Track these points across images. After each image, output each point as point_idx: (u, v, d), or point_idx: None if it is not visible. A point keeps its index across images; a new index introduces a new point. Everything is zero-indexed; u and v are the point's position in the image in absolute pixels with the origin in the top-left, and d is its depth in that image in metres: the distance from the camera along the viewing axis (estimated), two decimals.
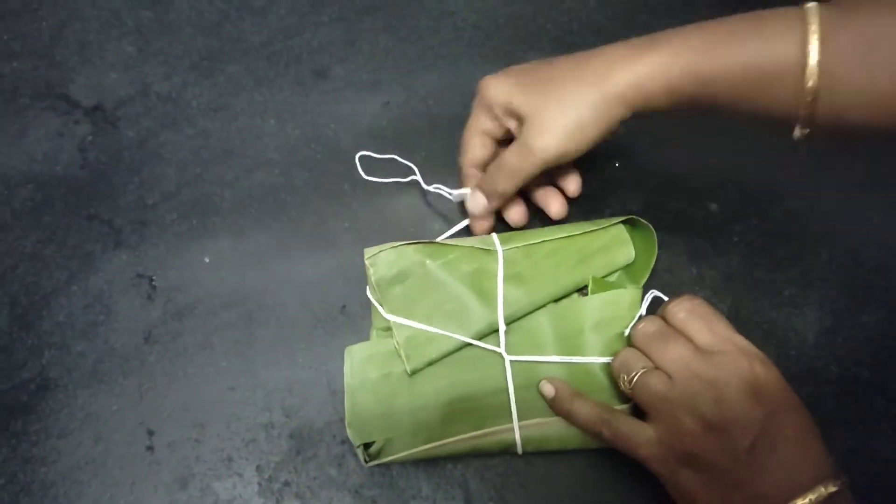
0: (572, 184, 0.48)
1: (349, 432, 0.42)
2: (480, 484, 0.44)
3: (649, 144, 0.53)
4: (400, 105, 0.55)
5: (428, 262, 0.44)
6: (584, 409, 0.41)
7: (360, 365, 0.44)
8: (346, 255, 0.49)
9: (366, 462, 0.42)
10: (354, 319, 0.48)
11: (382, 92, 0.55)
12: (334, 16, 0.57)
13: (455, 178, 0.50)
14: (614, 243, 0.47)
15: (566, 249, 0.46)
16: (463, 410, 0.43)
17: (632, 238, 0.48)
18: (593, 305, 0.45)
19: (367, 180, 0.51)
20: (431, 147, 0.53)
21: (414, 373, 0.43)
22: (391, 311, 0.44)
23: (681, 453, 0.37)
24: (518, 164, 0.43)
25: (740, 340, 0.39)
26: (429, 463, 0.44)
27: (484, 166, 0.47)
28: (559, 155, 0.42)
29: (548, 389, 0.42)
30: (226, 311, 0.48)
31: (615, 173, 0.52)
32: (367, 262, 0.44)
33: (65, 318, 0.48)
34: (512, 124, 0.45)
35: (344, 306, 0.48)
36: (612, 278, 0.48)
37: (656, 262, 0.47)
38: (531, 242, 0.46)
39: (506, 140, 0.46)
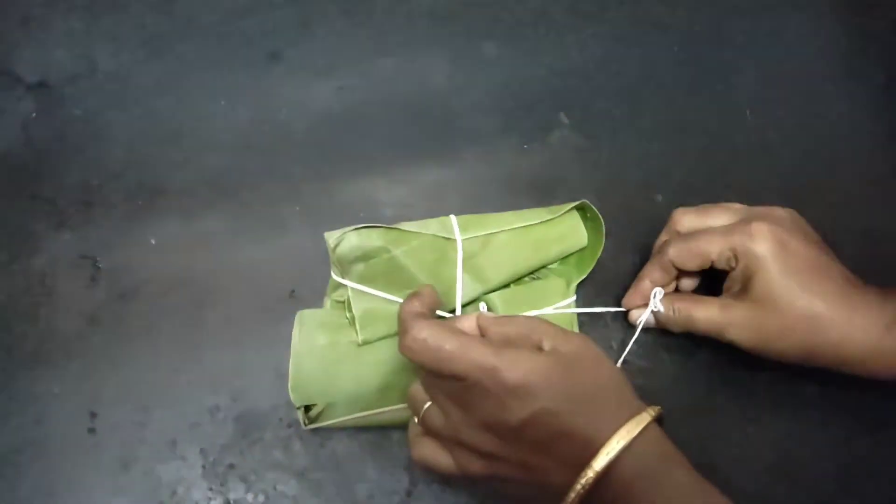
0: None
1: (291, 394, 0.42)
2: None
3: (599, 137, 0.54)
4: (354, 90, 0.55)
5: (392, 250, 0.45)
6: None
7: (309, 330, 0.44)
8: (296, 239, 0.49)
9: (305, 425, 0.43)
10: (303, 304, 0.48)
11: (336, 76, 0.55)
12: None
13: (407, 164, 0.50)
14: (569, 232, 0.48)
15: (523, 239, 0.47)
16: (405, 382, 0.43)
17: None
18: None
19: (320, 164, 0.51)
20: (385, 133, 0.53)
21: (365, 343, 0.44)
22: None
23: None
24: (701, 323, 0.43)
25: (477, 350, 0.34)
26: (375, 446, 0.45)
27: (689, 269, 0.44)
28: (744, 345, 0.42)
29: None
30: (172, 294, 0.48)
31: (565, 165, 0.53)
32: (330, 244, 0.44)
33: (6, 299, 0.47)
34: (738, 277, 0.42)
35: (293, 291, 0.48)
36: (560, 264, 0.49)
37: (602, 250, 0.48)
38: (490, 232, 0.47)
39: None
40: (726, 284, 0.44)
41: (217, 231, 0.50)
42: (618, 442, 0.32)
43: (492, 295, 0.46)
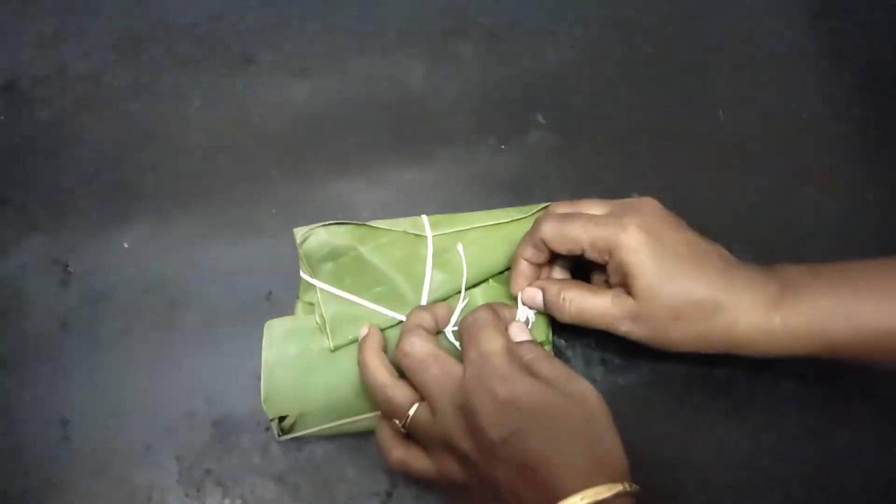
0: None
1: (264, 406, 0.42)
2: None
3: (575, 137, 0.54)
4: (329, 91, 0.54)
5: (360, 247, 0.44)
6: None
7: (279, 339, 0.44)
8: (272, 241, 0.49)
9: (279, 436, 0.42)
10: (280, 306, 0.47)
11: (311, 77, 0.55)
12: None
13: (383, 165, 0.50)
14: None
15: (493, 237, 0.47)
16: None
17: None
18: None
19: (295, 165, 0.51)
20: (361, 134, 0.53)
21: (336, 349, 0.43)
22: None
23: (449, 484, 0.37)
24: (591, 317, 0.41)
25: (497, 356, 0.36)
26: (353, 448, 0.44)
27: (559, 251, 0.43)
28: (639, 339, 0.40)
29: None
30: (146, 298, 0.47)
31: (542, 165, 0.53)
32: (297, 239, 0.44)
33: None
34: (614, 270, 0.41)
35: (270, 293, 0.48)
36: None
37: None
38: (460, 229, 0.46)
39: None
40: (606, 277, 0.42)
41: (191, 234, 0.49)
42: (581, 500, 0.31)
43: (474, 290, 0.46)
